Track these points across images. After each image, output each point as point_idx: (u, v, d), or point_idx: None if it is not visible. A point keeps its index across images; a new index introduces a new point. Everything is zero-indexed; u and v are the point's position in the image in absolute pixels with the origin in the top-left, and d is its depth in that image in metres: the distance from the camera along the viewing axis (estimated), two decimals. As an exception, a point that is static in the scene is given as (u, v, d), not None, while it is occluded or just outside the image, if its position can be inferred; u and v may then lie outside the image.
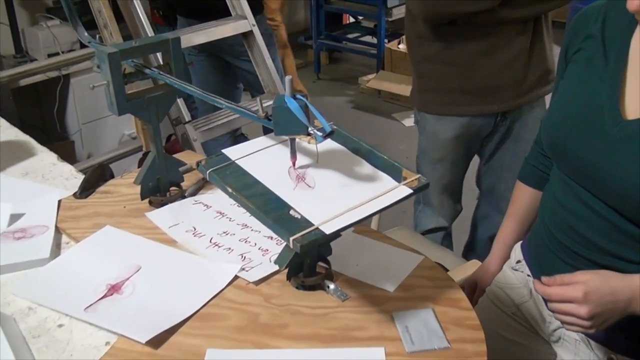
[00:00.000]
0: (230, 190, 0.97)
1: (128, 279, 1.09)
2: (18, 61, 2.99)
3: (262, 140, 1.09)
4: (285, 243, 0.89)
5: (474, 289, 1.44)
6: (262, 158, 1.05)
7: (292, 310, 1.01)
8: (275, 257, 1.13)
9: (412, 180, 0.97)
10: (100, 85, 1.13)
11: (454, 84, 1.81)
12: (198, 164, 1.02)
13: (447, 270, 1.89)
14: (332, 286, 1.04)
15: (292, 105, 0.89)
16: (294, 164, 0.99)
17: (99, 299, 1.04)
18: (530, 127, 1.88)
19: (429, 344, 0.94)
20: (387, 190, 0.96)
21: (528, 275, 1.23)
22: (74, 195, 1.36)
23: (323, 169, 1.01)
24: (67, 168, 1.52)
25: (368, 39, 5.27)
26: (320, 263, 1.08)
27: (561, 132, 1.08)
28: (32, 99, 3.29)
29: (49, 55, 3.03)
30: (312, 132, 0.90)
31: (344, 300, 1.02)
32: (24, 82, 2.93)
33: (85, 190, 1.37)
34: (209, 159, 1.03)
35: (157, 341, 0.94)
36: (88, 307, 1.02)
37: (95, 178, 1.40)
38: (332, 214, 0.90)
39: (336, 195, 0.95)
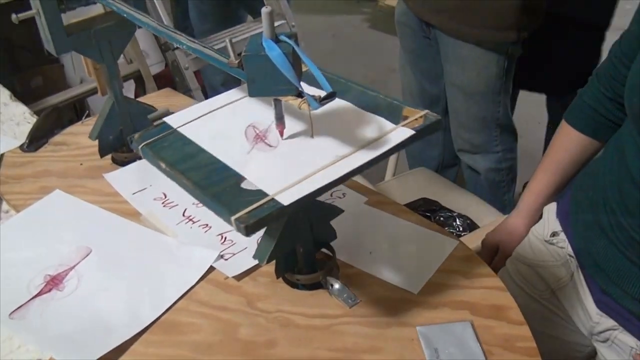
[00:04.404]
0: (163, 165, 0.70)
1: (73, 267, 0.84)
2: (-3, -26, 2.69)
3: (225, 97, 0.81)
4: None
5: (492, 256, 1.12)
6: (217, 119, 0.78)
7: (283, 320, 0.76)
8: (265, 239, 0.87)
9: (416, 119, 0.69)
10: (27, 16, 0.84)
11: None
12: (131, 139, 0.74)
13: (476, 227, 1.65)
14: (336, 285, 0.79)
15: (274, 52, 0.60)
16: (281, 133, 0.71)
17: (32, 298, 0.79)
18: (454, 65, 1.70)
19: (465, 376, 0.69)
20: (379, 137, 0.68)
21: (570, 256, 0.96)
22: (21, 147, 1.10)
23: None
24: (20, 110, 1.25)
25: (388, -51, 4.81)
26: (323, 250, 0.82)
27: None
28: (17, 17, 2.98)
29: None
30: (303, 93, 0.62)
31: (351, 307, 0.77)
32: (4, -2, 2.63)
33: (35, 140, 1.11)
34: (144, 131, 0.75)
35: (100, 364, 0.71)
36: (15, 311, 0.78)
37: (49, 125, 1.13)
38: (295, 178, 0.64)
39: (306, 153, 0.68)
